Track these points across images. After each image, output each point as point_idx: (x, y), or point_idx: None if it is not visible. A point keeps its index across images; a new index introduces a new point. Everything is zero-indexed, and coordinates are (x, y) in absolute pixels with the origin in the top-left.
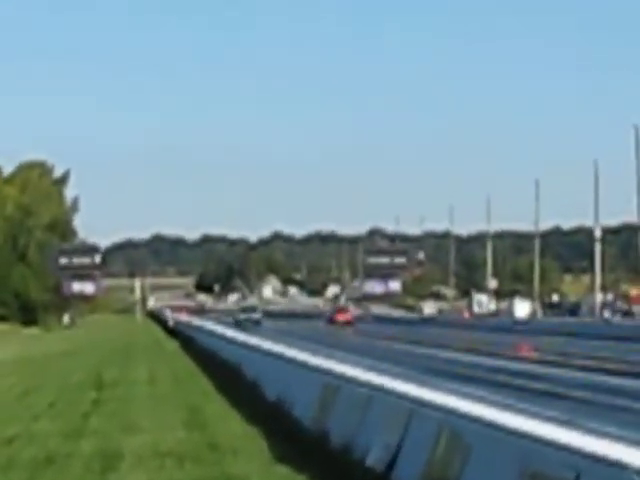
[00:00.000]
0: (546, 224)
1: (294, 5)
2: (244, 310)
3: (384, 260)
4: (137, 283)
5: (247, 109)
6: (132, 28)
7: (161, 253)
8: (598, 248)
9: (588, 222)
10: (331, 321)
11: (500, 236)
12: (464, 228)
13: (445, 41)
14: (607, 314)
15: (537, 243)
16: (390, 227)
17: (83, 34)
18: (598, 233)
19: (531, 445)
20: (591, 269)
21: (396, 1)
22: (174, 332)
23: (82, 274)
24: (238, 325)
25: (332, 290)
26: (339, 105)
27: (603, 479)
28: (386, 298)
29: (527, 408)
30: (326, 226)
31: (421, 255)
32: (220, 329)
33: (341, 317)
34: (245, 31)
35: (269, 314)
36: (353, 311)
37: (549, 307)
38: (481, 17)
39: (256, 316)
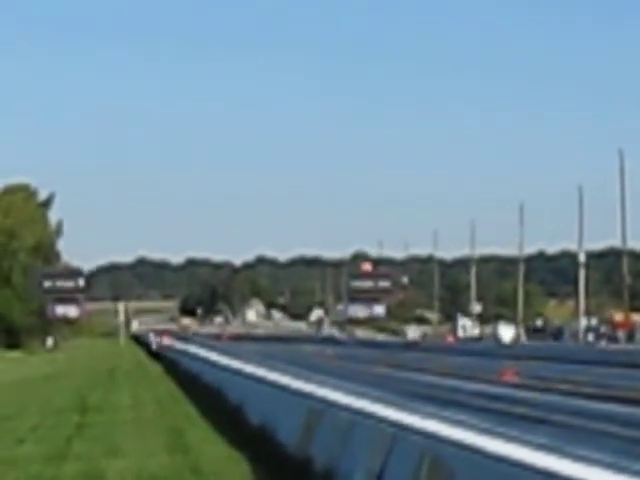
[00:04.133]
0: (530, 249)
1: None
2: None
3: (368, 284)
4: (121, 307)
5: (231, 134)
6: (113, 53)
7: (145, 276)
8: (582, 273)
9: (572, 247)
10: (218, 338)
11: (484, 260)
12: (448, 252)
13: (430, 68)
14: (590, 338)
15: (521, 267)
16: (374, 251)
17: (64, 56)
18: (582, 258)
19: (513, 470)
20: (575, 294)
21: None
22: (158, 356)
23: (66, 297)
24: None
25: (316, 314)
26: (322, 130)
27: None
28: (370, 322)
29: (509, 432)
30: (310, 250)
31: (405, 279)
32: (204, 353)
33: (225, 336)
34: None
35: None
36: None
37: (533, 332)
38: (465, 39)
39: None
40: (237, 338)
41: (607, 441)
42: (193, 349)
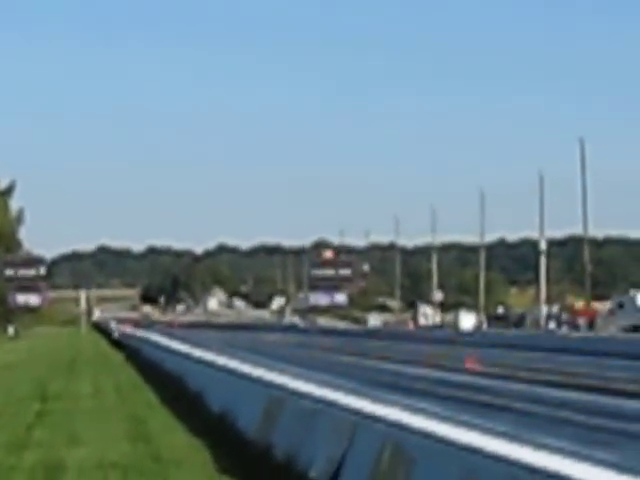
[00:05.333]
0: (491, 236)
1: None
2: None
3: (329, 272)
4: (82, 295)
5: (193, 121)
6: (77, 43)
7: (106, 264)
8: (543, 260)
9: (533, 234)
10: (170, 326)
11: (445, 248)
12: (409, 240)
13: (386, 55)
14: (552, 326)
15: (482, 255)
16: (335, 239)
17: (27, 47)
18: (543, 245)
19: (476, 458)
20: (536, 281)
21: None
22: (119, 344)
23: (27, 286)
24: None
25: (277, 302)
26: (282, 119)
27: None
28: (332, 310)
29: (471, 420)
30: (271, 238)
31: (366, 267)
32: (165, 341)
33: (175, 324)
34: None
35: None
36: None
37: (494, 319)
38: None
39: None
40: (193, 326)
41: (568, 429)
42: (154, 337)
